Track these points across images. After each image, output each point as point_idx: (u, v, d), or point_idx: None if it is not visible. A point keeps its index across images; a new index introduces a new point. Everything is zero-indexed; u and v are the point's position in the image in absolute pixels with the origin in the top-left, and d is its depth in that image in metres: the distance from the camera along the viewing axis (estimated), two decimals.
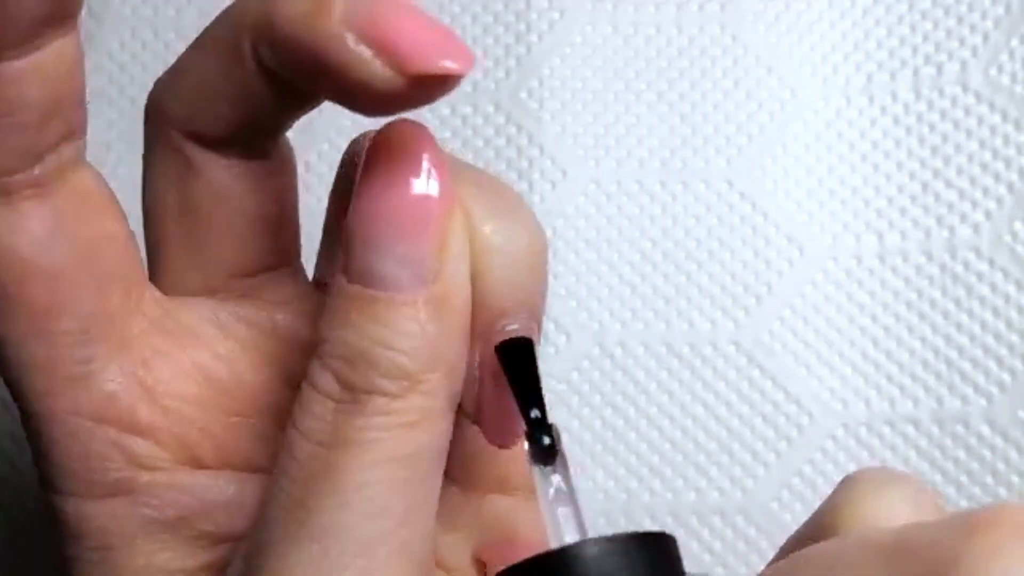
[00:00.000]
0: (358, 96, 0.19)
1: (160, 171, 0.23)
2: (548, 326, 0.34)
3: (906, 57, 0.35)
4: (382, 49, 0.18)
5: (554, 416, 0.21)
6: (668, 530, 0.34)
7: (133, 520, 0.21)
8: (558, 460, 0.20)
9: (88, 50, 0.37)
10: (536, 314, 0.21)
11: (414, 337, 0.19)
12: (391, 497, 0.19)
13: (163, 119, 0.22)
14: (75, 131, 0.21)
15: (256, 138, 0.22)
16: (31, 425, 0.21)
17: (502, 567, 0.21)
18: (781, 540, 0.33)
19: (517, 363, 0.20)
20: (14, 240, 0.20)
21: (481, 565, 0.24)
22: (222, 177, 0.22)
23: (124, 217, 0.22)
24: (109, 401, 0.21)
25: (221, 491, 0.22)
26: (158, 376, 0.22)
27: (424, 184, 0.19)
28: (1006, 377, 0.33)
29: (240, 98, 0.21)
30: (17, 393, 0.21)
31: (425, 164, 0.20)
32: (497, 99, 0.36)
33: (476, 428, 0.22)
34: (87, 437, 0.21)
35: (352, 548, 0.19)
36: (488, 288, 0.20)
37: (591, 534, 0.19)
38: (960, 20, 0.35)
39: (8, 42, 0.19)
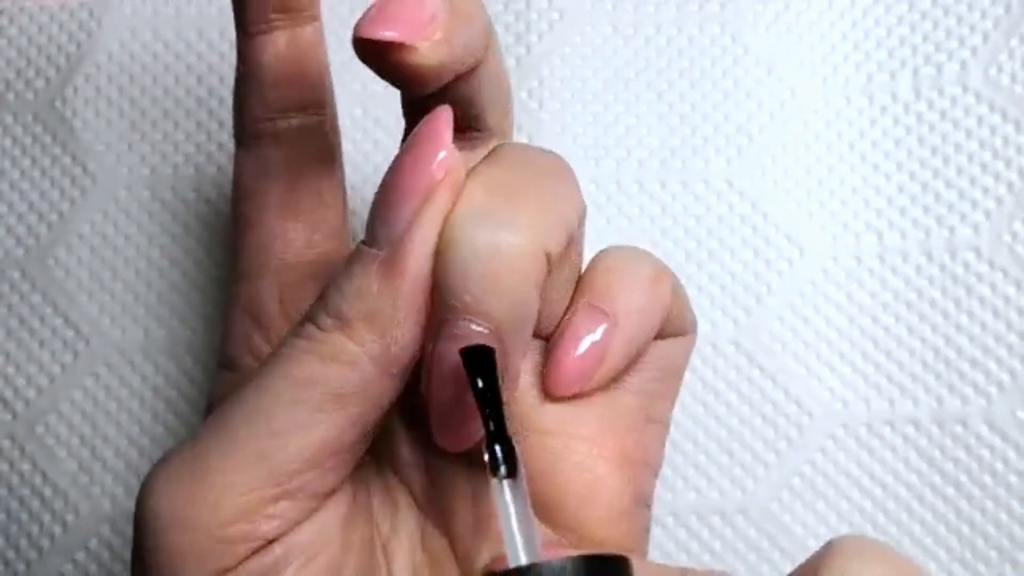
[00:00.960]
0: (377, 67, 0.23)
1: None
2: None
3: (906, 57, 0.35)
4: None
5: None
6: (668, 530, 0.34)
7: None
8: (517, 474, 0.21)
9: (87, 50, 0.37)
10: (498, 325, 0.21)
11: (358, 287, 0.22)
12: (275, 410, 0.22)
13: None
14: (314, 102, 0.27)
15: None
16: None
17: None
18: (781, 541, 0.33)
19: (478, 371, 0.21)
20: (249, 172, 0.27)
21: None
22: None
23: (339, 182, 0.28)
24: (254, 299, 0.27)
25: None
26: (301, 298, 0.27)
27: (423, 165, 0.22)
28: (1005, 377, 0.33)
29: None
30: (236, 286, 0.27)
31: (432, 148, 0.22)
32: None
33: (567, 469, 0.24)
34: (232, 319, 0.27)
35: (226, 435, 0.22)
36: (453, 284, 0.21)
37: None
38: (960, 20, 0.35)
39: (251, 21, 0.27)
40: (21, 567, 0.34)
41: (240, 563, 0.22)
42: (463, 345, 0.21)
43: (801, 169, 0.35)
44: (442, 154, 0.22)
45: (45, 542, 0.34)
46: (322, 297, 0.22)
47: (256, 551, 0.22)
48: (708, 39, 0.36)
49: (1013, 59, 0.35)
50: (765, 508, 0.33)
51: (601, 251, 0.26)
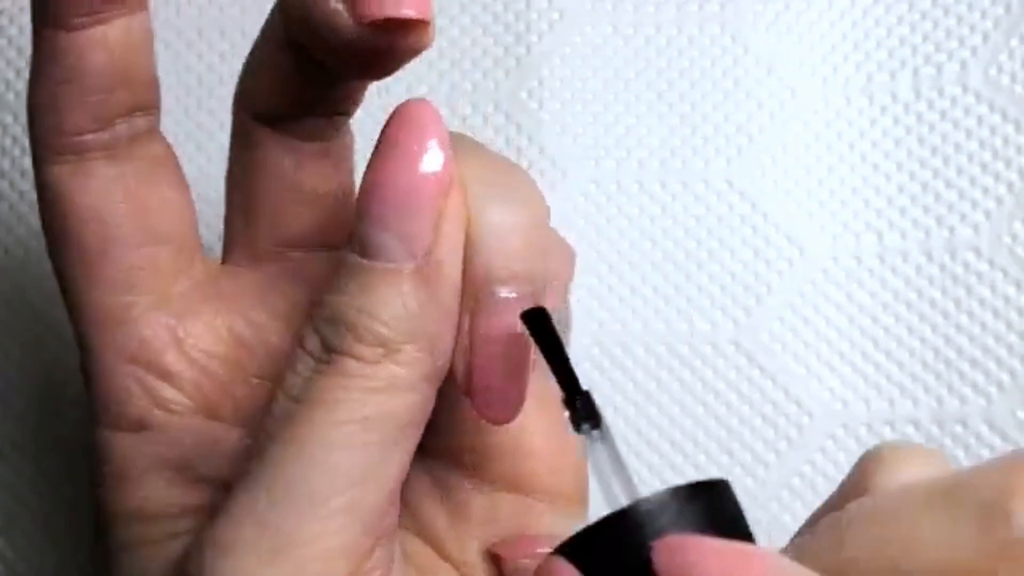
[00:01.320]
0: (335, 48, 0.22)
1: (232, 145, 0.25)
2: None
3: (906, 57, 0.35)
4: (348, 1, 0.21)
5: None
6: None
7: (146, 455, 0.23)
8: (601, 423, 0.20)
9: None
10: (531, 283, 0.21)
11: (395, 308, 0.20)
12: (345, 457, 0.20)
13: (235, 100, 0.25)
14: (145, 105, 0.24)
15: (305, 119, 0.24)
16: (84, 361, 0.24)
17: (521, 560, 0.22)
18: (781, 540, 0.33)
19: (541, 331, 0.21)
20: (79, 194, 0.23)
21: (495, 559, 0.24)
22: (275, 152, 0.24)
23: (187, 188, 0.25)
24: (141, 345, 0.23)
25: (229, 442, 0.24)
26: (190, 331, 0.24)
27: (425, 163, 0.21)
28: (1005, 377, 0.33)
29: (277, 75, 0.23)
30: (77, 332, 0.24)
31: (428, 144, 0.21)
32: (497, 99, 0.36)
33: (492, 426, 0.23)
34: (119, 374, 0.23)
35: (297, 500, 0.20)
36: (481, 259, 0.21)
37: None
38: (960, 20, 0.35)
39: (71, 13, 0.22)
40: (21, 568, 0.34)
41: None
42: (512, 315, 0.21)
43: (801, 169, 0.35)
44: (442, 150, 0.21)
45: (45, 543, 0.34)
46: (338, 323, 0.21)
47: None
48: (708, 39, 0.36)
49: (1013, 59, 0.35)
50: (765, 508, 0.33)
51: None
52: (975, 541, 0.16)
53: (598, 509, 0.18)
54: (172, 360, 0.24)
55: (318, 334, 0.21)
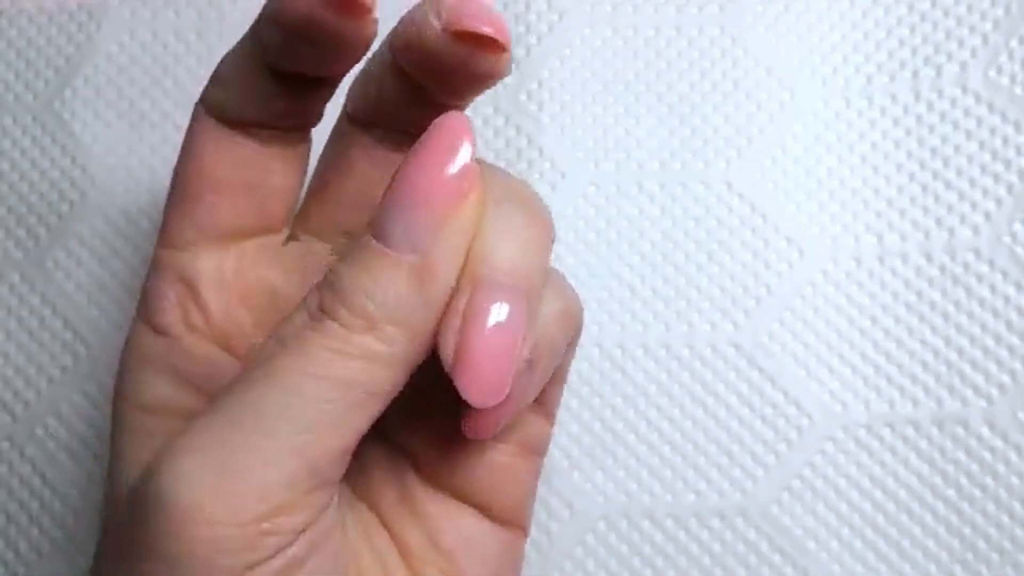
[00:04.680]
0: (419, 51, 0.24)
1: (330, 138, 0.29)
2: None
3: (905, 59, 0.35)
4: (440, 13, 0.24)
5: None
6: (667, 532, 0.34)
7: (166, 359, 0.27)
8: None
9: (86, 52, 0.37)
10: (526, 283, 0.23)
11: (386, 290, 0.22)
12: (304, 405, 0.22)
13: (346, 100, 0.28)
14: (315, 121, 0.28)
15: (392, 129, 0.28)
16: (152, 259, 0.28)
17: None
18: (781, 543, 0.33)
19: None
20: (213, 151, 0.26)
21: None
22: (358, 153, 0.28)
23: (303, 177, 0.28)
24: (194, 272, 0.27)
25: (232, 372, 0.26)
26: (237, 278, 0.27)
27: (448, 168, 0.23)
28: (1006, 379, 0.33)
29: (383, 92, 0.27)
30: (159, 234, 0.27)
31: (458, 151, 0.23)
32: (496, 101, 0.36)
33: (453, 438, 0.25)
34: (166, 285, 0.27)
35: (249, 428, 0.22)
36: (486, 249, 0.23)
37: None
38: (959, 21, 0.35)
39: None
40: (21, 570, 0.34)
41: (270, 557, 0.22)
42: (500, 301, 0.23)
43: (800, 171, 0.35)
44: (468, 160, 0.23)
45: (45, 545, 0.34)
46: (336, 290, 0.23)
47: (287, 544, 0.22)
48: (707, 41, 0.36)
49: (1013, 60, 0.35)
50: (765, 510, 0.33)
51: None
52: None
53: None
54: (211, 294, 0.27)
55: (319, 296, 0.23)
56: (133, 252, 0.36)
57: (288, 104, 0.26)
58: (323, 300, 0.23)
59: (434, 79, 0.25)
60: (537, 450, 0.28)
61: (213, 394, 0.26)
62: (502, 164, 0.35)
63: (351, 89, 0.28)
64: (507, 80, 0.36)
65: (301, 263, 0.28)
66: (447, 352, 0.23)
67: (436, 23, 0.24)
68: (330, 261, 0.28)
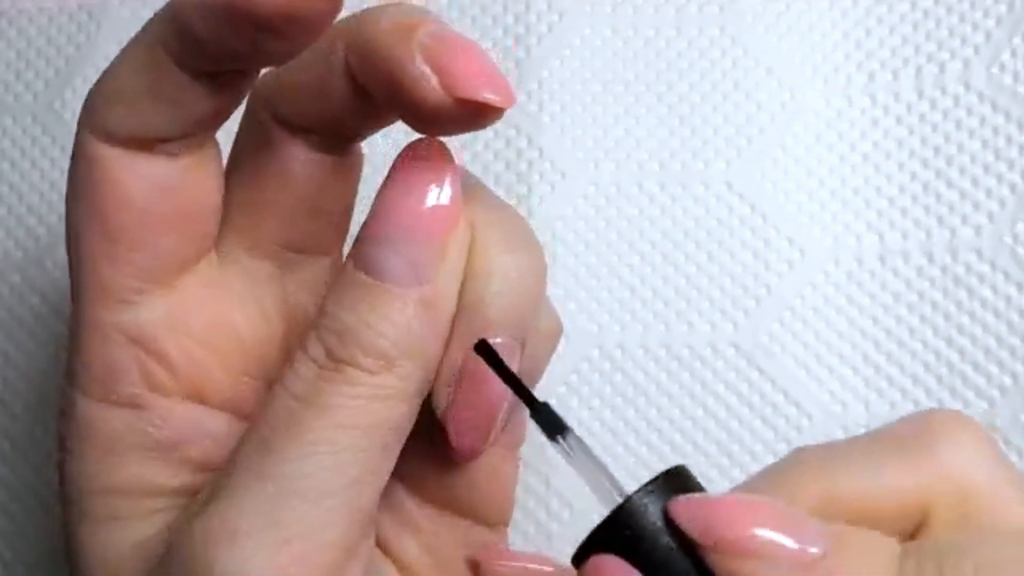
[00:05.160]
0: (416, 109, 0.23)
1: (242, 138, 0.26)
2: None
3: (909, 56, 0.35)
4: (440, 72, 0.22)
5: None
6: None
7: (134, 432, 0.24)
8: (568, 432, 0.22)
9: (86, 53, 0.37)
10: (523, 331, 0.23)
11: (399, 327, 0.22)
12: (347, 459, 0.22)
13: (258, 96, 0.26)
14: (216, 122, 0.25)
15: (330, 135, 0.25)
16: (78, 326, 0.25)
17: (499, 568, 0.26)
18: None
19: (492, 359, 0.23)
20: (133, 182, 0.24)
21: (474, 566, 0.27)
22: (292, 159, 0.25)
23: (221, 186, 0.26)
24: (144, 328, 0.24)
25: (215, 427, 0.25)
26: (191, 322, 0.25)
27: (440, 197, 0.23)
28: (1007, 381, 0.33)
29: (323, 96, 0.24)
30: (76, 296, 0.25)
31: (446, 179, 0.23)
32: None
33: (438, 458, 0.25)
34: (118, 351, 0.24)
35: (300, 495, 0.21)
36: (486, 305, 0.23)
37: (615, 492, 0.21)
38: (962, 18, 0.35)
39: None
40: (20, 570, 0.34)
41: None
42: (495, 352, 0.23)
43: (802, 171, 0.35)
44: (452, 185, 0.23)
45: (45, 546, 0.34)
46: (342, 334, 0.22)
47: None
48: (707, 41, 0.36)
49: (1016, 57, 0.35)
50: None
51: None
52: None
53: (587, 505, 0.20)
54: (169, 345, 0.25)
55: (323, 343, 0.22)
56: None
57: (218, 103, 0.24)
58: (330, 347, 0.22)
59: (414, 122, 0.24)
60: (517, 444, 0.28)
61: (200, 458, 0.25)
62: (502, 164, 0.35)
63: (271, 91, 0.25)
64: (507, 80, 0.36)
65: (251, 291, 0.26)
66: (440, 402, 0.23)
67: (433, 81, 0.22)
68: (276, 286, 0.27)
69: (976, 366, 0.33)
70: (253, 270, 0.26)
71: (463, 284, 0.23)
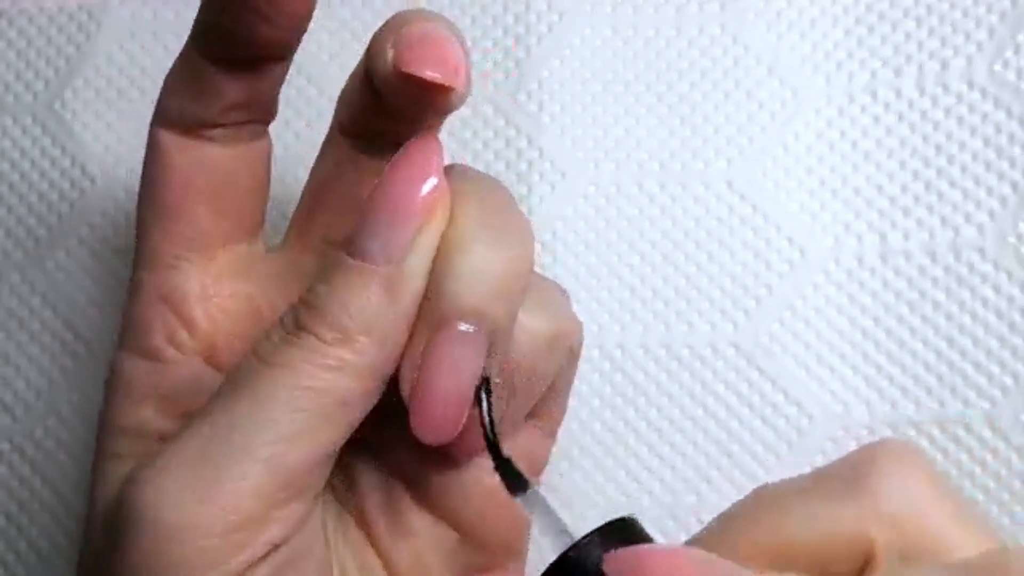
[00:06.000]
0: (371, 84, 0.25)
1: (322, 148, 0.29)
2: None
3: (911, 52, 0.35)
4: (395, 48, 0.24)
5: None
6: (669, 534, 0.34)
7: (149, 381, 0.27)
8: (528, 486, 0.23)
9: (86, 53, 0.37)
10: (493, 323, 0.24)
11: (361, 303, 0.23)
12: (285, 417, 0.23)
13: (335, 111, 0.29)
14: (269, 116, 0.28)
15: (364, 137, 0.28)
16: (130, 286, 0.28)
17: None
18: None
19: (484, 405, 0.24)
20: (180, 159, 0.27)
21: None
22: (345, 162, 0.28)
23: (268, 179, 0.29)
24: (176, 290, 0.27)
25: (214, 386, 0.26)
26: (218, 292, 0.28)
27: (423, 187, 0.24)
28: (1008, 381, 0.33)
29: (358, 102, 0.27)
30: (134, 262, 0.28)
31: (430, 170, 0.24)
32: (496, 102, 0.36)
33: (443, 466, 0.26)
34: (149, 308, 0.27)
35: (226, 440, 0.23)
36: (448, 290, 0.23)
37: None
38: (966, 14, 0.35)
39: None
40: (21, 571, 0.34)
41: (247, 569, 0.22)
42: (464, 346, 0.23)
43: (803, 170, 0.35)
44: (436, 178, 0.24)
45: (45, 546, 0.34)
46: (314, 307, 0.24)
47: (263, 556, 0.23)
48: (708, 40, 0.36)
49: (1019, 54, 0.34)
50: None
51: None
52: None
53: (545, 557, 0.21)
54: (197, 308, 0.27)
55: (295, 311, 0.24)
56: (133, 252, 0.36)
57: (241, 92, 0.27)
58: (300, 317, 0.24)
59: (391, 103, 0.26)
60: (535, 469, 0.28)
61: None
62: (502, 164, 0.35)
63: (340, 99, 0.28)
64: (507, 80, 0.36)
65: (276, 272, 0.29)
66: (405, 388, 0.24)
67: (388, 55, 0.24)
68: (309, 277, 0.28)
69: (978, 366, 0.33)
70: (300, 263, 0.29)
71: (433, 269, 0.24)
